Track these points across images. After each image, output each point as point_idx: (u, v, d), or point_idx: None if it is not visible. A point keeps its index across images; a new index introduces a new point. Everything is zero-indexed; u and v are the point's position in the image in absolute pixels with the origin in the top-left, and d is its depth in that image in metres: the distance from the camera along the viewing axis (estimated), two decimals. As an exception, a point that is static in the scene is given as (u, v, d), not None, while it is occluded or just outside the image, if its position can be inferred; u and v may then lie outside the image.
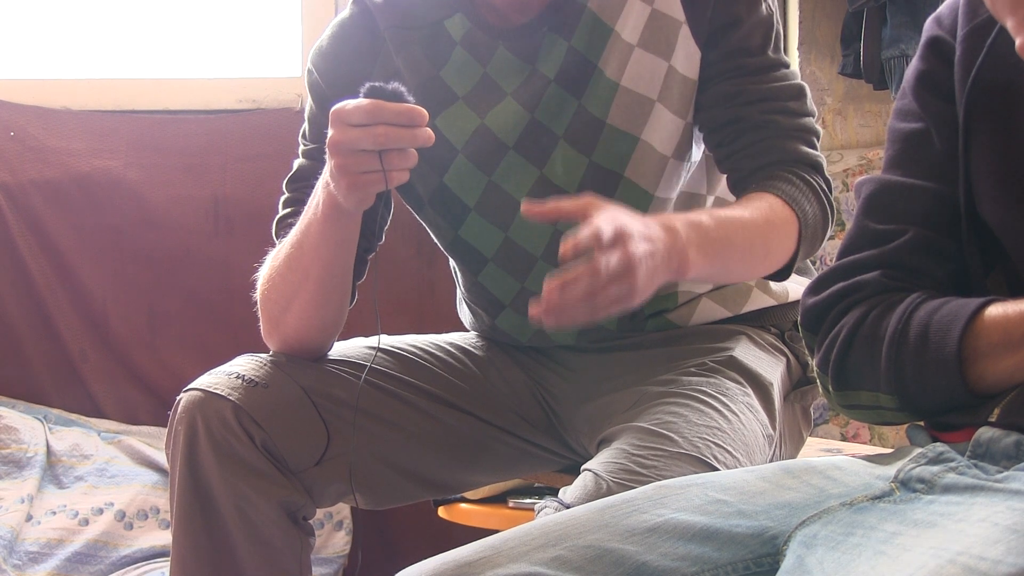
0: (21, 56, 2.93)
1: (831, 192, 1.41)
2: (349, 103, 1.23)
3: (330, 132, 1.25)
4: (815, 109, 1.45)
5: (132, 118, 2.80)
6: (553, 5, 1.40)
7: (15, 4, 2.95)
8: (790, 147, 1.38)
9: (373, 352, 1.49)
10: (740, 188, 1.39)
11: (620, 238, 1.06)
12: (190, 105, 2.85)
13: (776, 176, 1.35)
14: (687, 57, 1.40)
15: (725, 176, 1.43)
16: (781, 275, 1.37)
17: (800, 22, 2.85)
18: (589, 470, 1.23)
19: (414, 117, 1.22)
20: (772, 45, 1.42)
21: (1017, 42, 0.87)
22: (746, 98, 1.39)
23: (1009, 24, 0.88)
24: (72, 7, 2.97)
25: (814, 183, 1.37)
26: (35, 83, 2.85)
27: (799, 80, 1.43)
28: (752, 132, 1.38)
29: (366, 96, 1.23)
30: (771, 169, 1.37)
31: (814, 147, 1.41)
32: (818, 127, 1.44)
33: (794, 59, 2.88)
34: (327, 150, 1.26)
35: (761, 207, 1.31)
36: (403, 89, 1.24)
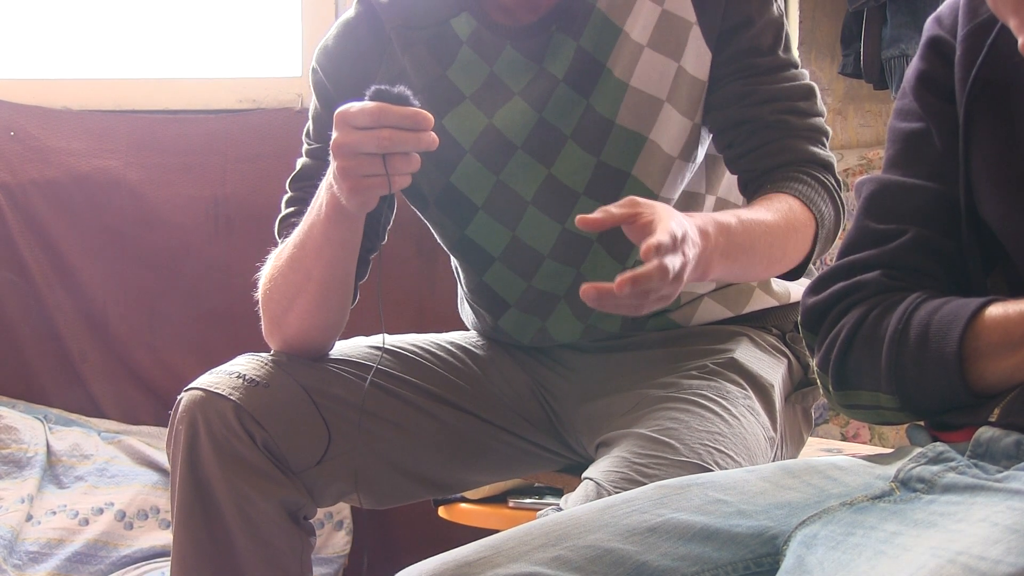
0: (21, 56, 2.93)
1: (842, 191, 1.41)
2: (354, 105, 1.23)
3: (334, 134, 1.24)
4: (824, 109, 1.45)
5: (132, 118, 2.80)
6: (561, 4, 1.40)
7: (15, 4, 2.95)
8: (802, 147, 1.38)
9: (375, 352, 1.49)
10: (752, 188, 1.39)
11: (681, 242, 1.07)
12: (190, 105, 2.85)
13: (791, 177, 1.36)
14: (697, 58, 1.40)
15: (736, 177, 1.43)
16: (794, 274, 1.37)
17: (800, 22, 2.85)
18: (590, 479, 1.22)
19: (419, 121, 1.22)
20: (783, 45, 1.43)
21: (1020, 41, 0.87)
22: (757, 98, 1.39)
23: (1012, 23, 0.88)
24: (72, 7, 2.97)
25: (827, 183, 1.38)
26: (35, 83, 2.85)
27: (809, 80, 1.44)
28: (764, 132, 1.39)
29: (371, 99, 1.22)
30: (784, 169, 1.37)
31: (824, 147, 1.41)
32: (827, 127, 1.44)
33: (794, 59, 2.88)
34: (331, 152, 1.26)
35: (782, 209, 1.31)
36: (408, 92, 1.23)
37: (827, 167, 1.40)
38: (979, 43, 1.01)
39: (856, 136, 2.86)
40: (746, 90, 1.40)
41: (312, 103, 1.52)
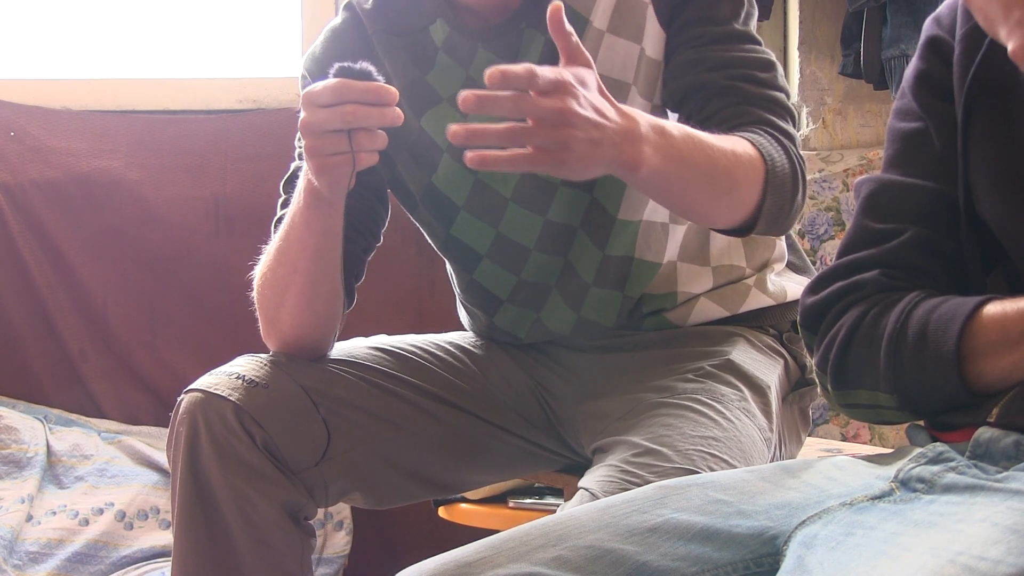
0: (21, 56, 2.93)
1: (804, 168, 1.34)
2: (318, 84, 1.23)
3: (301, 115, 1.24)
4: (788, 87, 1.40)
5: (132, 118, 2.80)
6: (530, 1, 1.40)
7: (15, 4, 2.95)
8: (760, 115, 1.33)
9: (375, 353, 1.50)
10: None
11: (562, 88, 1.04)
12: (190, 105, 2.85)
13: (744, 129, 1.30)
14: (654, 39, 1.39)
15: None
16: (743, 229, 1.30)
17: (800, 22, 2.85)
18: (585, 488, 1.23)
19: (382, 95, 1.21)
20: (741, 19, 1.39)
21: (1010, 47, 0.87)
22: (709, 64, 1.36)
23: (1002, 32, 0.88)
24: (72, 7, 2.97)
25: (786, 144, 1.31)
26: (35, 83, 2.85)
27: (770, 56, 1.39)
28: (718, 98, 1.34)
29: (335, 76, 1.23)
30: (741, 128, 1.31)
31: (786, 120, 1.35)
32: (791, 105, 1.37)
33: (794, 59, 2.88)
34: (299, 133, 1.26)
35: (730, 140, 1.25)
36: (371, 68, 1.23)
37: (788, 136, 1.33)
38: (977, 42, 1.02)
39: (856, 136, 2.86)
40: (697, 57, 1.36)
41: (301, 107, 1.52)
